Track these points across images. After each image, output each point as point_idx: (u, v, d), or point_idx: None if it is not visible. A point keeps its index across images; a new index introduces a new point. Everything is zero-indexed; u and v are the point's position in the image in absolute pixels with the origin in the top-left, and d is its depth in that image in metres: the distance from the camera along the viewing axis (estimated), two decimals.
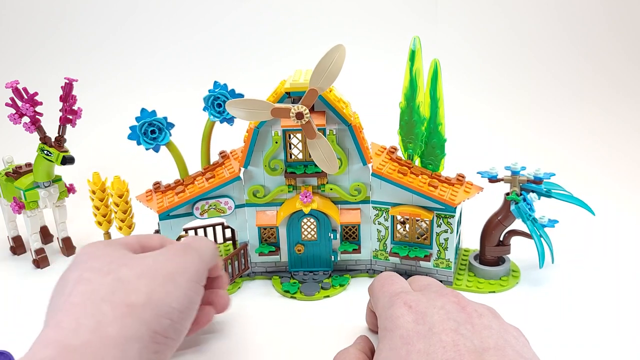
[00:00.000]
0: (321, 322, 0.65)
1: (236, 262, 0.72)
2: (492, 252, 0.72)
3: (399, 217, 0.71)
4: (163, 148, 0.69)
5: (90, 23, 1.44)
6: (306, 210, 0.68)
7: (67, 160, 0.74)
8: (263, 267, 0.75)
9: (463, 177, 0.71)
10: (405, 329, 0.44)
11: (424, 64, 0.66)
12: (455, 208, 0.67)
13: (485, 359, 0.40)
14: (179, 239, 0.76)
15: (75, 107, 0.77)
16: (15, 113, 0.74)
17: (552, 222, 0.70)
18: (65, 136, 0.76)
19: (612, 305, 0.66)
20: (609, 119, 1.33)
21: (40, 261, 0.79)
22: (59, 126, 0.76)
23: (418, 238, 0.71)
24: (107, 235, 0.71)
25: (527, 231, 0.71)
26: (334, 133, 0.66)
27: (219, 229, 0.81)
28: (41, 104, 0.75)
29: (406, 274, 0.72)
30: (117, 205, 0.68)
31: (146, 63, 1.44)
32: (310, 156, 0.67)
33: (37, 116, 0.75)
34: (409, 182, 0.67)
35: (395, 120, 0.70)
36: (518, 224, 0.71)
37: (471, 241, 0.78)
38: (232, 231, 0.80)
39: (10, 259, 0.83)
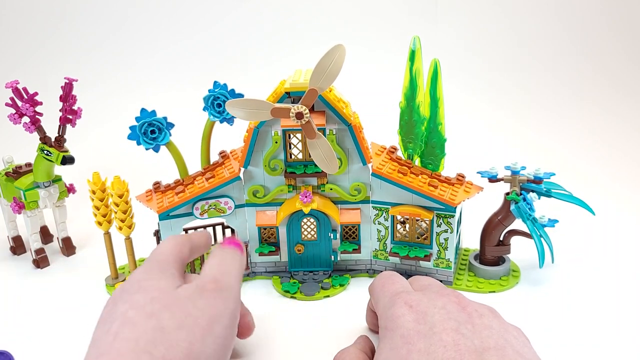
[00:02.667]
0: (321, 322, 0.65)
1: None
2: (492, 252, 0.72)
3: (399, 217, 0.71)
4: (163, 148, 0.69)
5: (90, 23, 1.44)
6: (306, 210, 0.68)
7: (67, 160, 0.74)
8: (263, 267, 0.75)
9: (463, 176, 0.71)
10: (406, 328, 0.44)
11: (424, 63, 0.66)
12: (455, 208, 0.67)
13: (486, 358, 0.40)
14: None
15: (75, 107, 0.77)
16: (15, 113, 0.74)
17: (552, 222, 0.70)
18: (65, 136, 0.76)
19: (612, 305, 0.66)
20: (609, 119, 1.33)
21: (40, 261, 0.79)
22: (59, 126, 0.76)
23: (418, 238, 0.71)
24: (107, 235, 0.71)
25: (527, 231, 0.71)
26: (334, 133, 0.66)
27: (219, 229, 0.81)
28: (41, 104, 0.75)
29: (406, 274, 0.72)
30: (117, 205, 0.68)
31: (146, 63, 1.44)
32: (310, 156, 0.67)
33: (37, 116, 0.75)
34: (409, 182, 0.67)
35: (395, 120, 0.70)
36: (518, 224, 0.71)
37: (471, 241, 0.78)
38: (232, 231, 0.80)
39: (10, 259, 0.83)
